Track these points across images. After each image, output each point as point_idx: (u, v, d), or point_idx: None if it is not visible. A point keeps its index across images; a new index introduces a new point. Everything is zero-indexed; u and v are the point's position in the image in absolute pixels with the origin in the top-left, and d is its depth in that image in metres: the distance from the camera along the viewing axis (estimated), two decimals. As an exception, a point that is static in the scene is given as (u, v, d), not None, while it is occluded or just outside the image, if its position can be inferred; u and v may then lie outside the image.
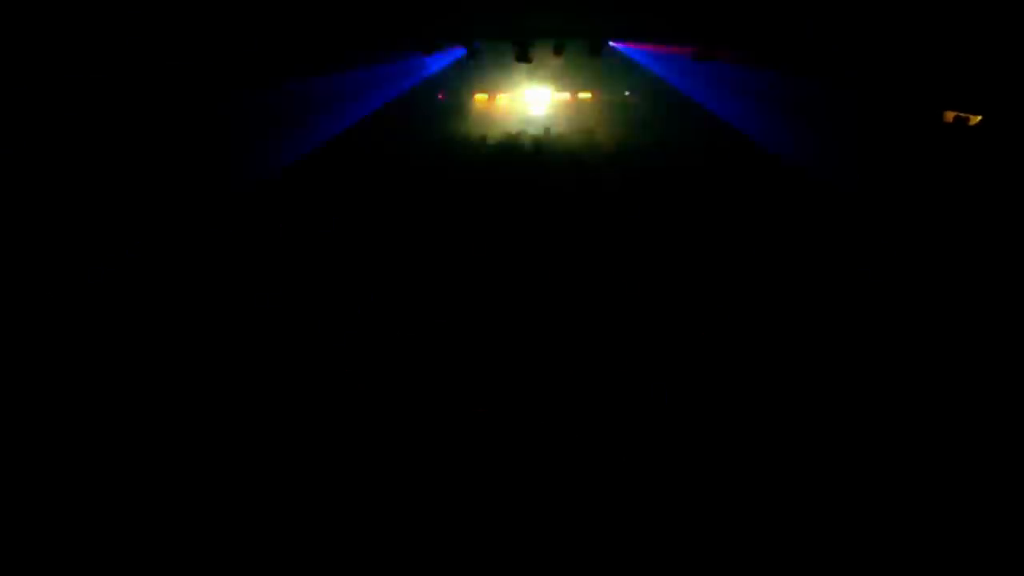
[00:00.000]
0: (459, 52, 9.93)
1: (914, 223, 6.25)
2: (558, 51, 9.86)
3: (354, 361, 5.51)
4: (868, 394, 4.80)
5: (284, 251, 7.29)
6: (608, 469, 4.24)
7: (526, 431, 4.64)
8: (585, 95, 11.02)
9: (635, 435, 4.60)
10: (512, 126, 11.09)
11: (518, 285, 7.13)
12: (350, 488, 4.02)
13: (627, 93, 11.02)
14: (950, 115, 6.10)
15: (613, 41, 10.03)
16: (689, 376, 5.30)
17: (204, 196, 7.16)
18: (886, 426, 4.44)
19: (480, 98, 11.22)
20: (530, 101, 11.17)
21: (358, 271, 7.21)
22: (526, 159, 10.70)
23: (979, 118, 6.38)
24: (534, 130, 11.03)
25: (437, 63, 10.11)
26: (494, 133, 11.07)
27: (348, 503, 3.90)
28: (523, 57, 9.82)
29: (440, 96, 10.96)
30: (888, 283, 6.00)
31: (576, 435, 4.60)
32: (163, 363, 5.13)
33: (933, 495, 3.83)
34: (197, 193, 7.13)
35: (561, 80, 10.88)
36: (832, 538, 3.61)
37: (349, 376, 5.28)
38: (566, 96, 11.06)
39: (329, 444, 4.42)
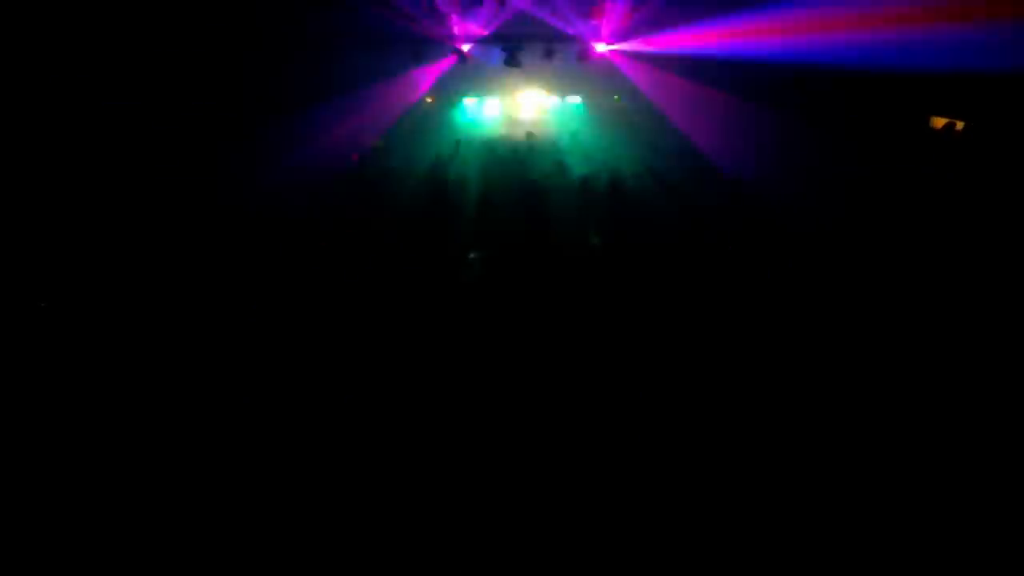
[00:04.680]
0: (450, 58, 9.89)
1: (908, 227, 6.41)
2: (548, 55, 9.89)
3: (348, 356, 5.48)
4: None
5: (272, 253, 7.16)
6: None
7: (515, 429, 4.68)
8: (575, 98, 11.07)
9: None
10: (501, 129, 11.09)
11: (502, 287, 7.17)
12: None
13: (616, 97, 11.10)
14: (939, 121, 6.27)
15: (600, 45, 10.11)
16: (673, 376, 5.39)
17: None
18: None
19: (470, 102, 11.18)
20: (519, 104, 11.18)
21: (351, 268, 7.12)
22: (516, 159, 10.72)
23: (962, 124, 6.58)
24: (523, 132, 11.05)
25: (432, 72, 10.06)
26: (484, 135, 11.05)
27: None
28: (513, 61, 9.82)
29: (430, 100, 10.89)
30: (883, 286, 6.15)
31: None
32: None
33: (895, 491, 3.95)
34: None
35: (550, 84, 10.91)
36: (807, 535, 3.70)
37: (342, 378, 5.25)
38: (555, 99, 11.09)
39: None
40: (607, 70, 10.63)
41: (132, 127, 6.02)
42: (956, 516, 3.72)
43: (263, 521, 3.76)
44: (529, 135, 11.06)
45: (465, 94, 10.81)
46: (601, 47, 10.10)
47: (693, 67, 9.14)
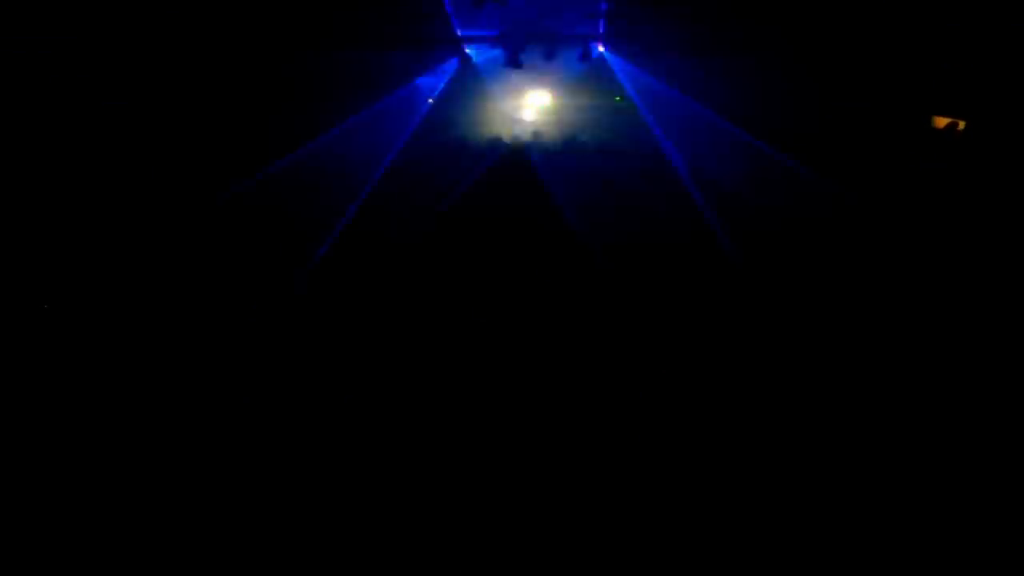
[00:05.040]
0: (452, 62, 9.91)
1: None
2: (549, 56, 9.88)
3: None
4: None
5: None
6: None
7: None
8: (576, 99, 11.04)
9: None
10: (505, 130, 11.07)
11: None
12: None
13: (617, 98, 11.08)
14: (941, 121, 6.23)
15: (604, 46, 10.09)
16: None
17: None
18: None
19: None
20: (520, 105, 11.15)
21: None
22: (515, 162, 10.72)
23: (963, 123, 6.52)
24: (528, 132, 11.06)
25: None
26: (482, 136, 11.05)
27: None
28: (514, 62, 9.83)
29: (430, 101, 10.91)
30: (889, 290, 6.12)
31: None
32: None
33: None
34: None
35: (552, 84, 10.89)
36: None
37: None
38: (559, 100, 11.06)
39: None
40: (608, 70, 10.64)
41: (136, 122, 6.04)
42: (955, 516, 3.71)
43: (263, 520, 3.77)
44: (535, 135, 11.08)
45: (468, 94, 10.80)
46: (602, 47, 10.11)
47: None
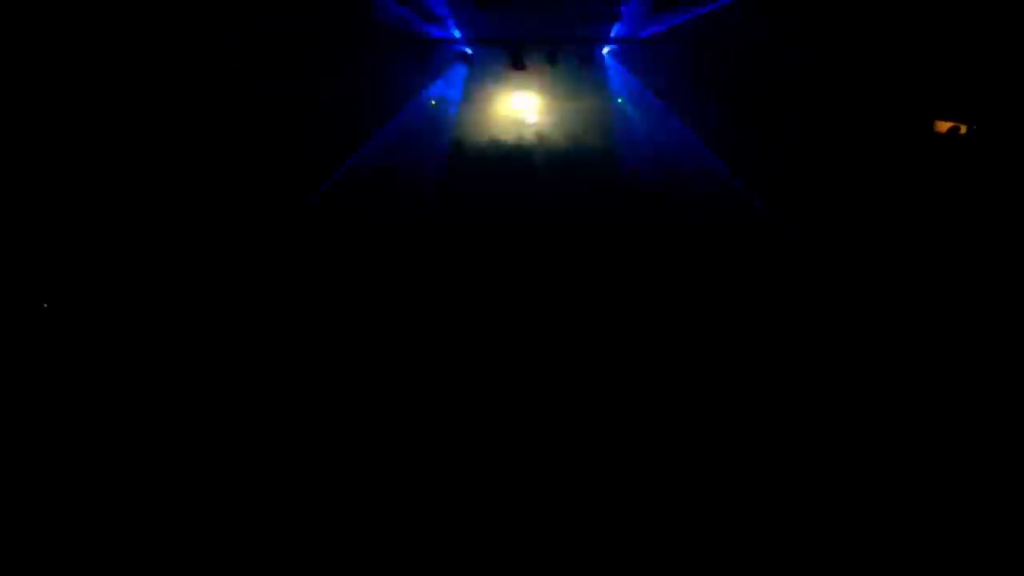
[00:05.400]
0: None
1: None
2: (553, 59, 9.90)
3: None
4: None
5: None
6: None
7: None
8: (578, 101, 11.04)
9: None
10: (509, 131, 11.08)
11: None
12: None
13: (619, 100, 11.09)
14: (943, 125, 6.20)
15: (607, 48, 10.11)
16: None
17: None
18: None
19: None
20: (523, 106, 11.16)
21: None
22: (516, 163, 10.73)
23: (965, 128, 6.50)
24: (531, 133, 11.08)
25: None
26: (490, 136, 11.06)
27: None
28: (517, 64, 9.85)
29: (433, 103, 10.91)
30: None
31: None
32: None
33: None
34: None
35: (555, 87, 10.89)
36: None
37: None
38: (562, 102, 11.06)
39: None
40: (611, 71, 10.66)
41: (131, 122, 6.05)
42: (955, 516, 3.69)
43: (263, 520, 3.76)
44: (540, 136, 11.10)
45: (470, 95, 10.82)
46: (605, 49, 10.13)
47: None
